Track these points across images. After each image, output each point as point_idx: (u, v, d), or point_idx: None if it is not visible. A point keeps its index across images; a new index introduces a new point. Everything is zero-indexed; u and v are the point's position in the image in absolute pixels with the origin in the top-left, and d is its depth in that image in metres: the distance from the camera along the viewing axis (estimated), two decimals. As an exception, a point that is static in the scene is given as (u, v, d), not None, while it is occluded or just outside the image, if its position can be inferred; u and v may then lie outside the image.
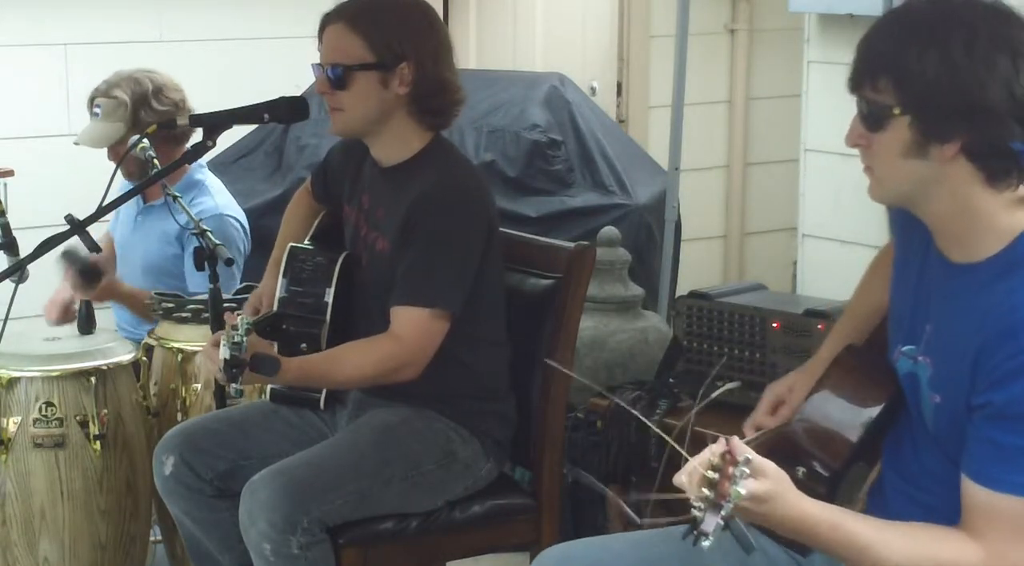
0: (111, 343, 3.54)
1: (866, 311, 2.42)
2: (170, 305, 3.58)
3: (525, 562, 3.13)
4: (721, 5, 6.08)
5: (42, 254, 2.79)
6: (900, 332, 2.19)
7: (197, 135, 3.04)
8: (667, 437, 1.95)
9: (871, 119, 2.01)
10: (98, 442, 3.37)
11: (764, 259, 6.24)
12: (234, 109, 2.99)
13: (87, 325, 3.60)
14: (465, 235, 2.93)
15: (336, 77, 2.94)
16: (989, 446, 1.97)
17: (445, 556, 3.17)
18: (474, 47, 5.95)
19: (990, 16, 1.97)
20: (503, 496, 3.07)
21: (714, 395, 2.07)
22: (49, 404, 3.36)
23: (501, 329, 3.07)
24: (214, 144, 2.99)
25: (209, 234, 3.27)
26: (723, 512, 1.82)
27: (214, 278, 3.24)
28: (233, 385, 2.66)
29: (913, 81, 1.96)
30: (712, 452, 1.86)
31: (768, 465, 1.92)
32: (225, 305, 3.29)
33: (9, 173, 4.36)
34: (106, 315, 4.07)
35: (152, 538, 3.65)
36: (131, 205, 3.95)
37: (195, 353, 3.51)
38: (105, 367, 3.43)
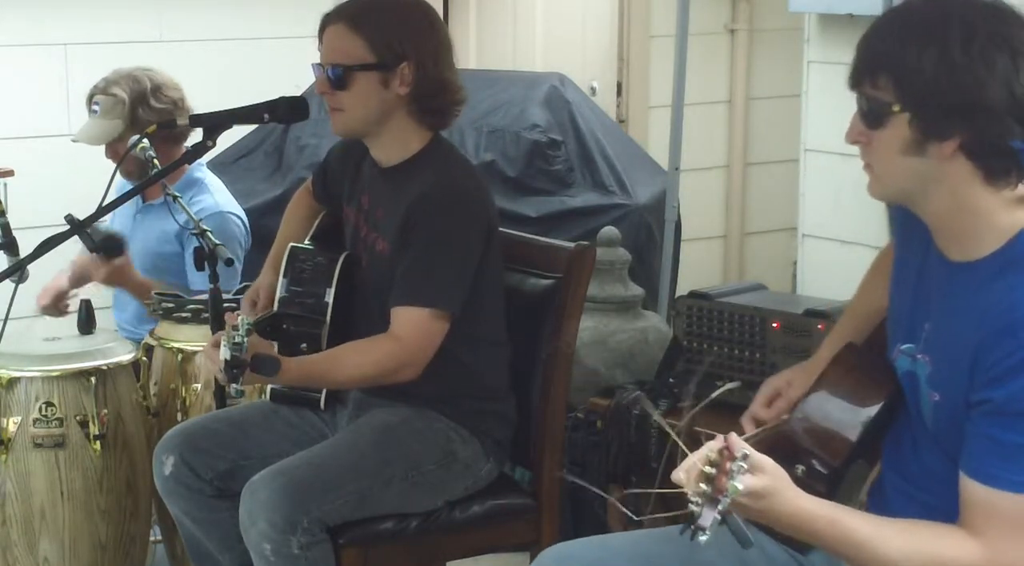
0: (111, 343, 3.54)
1: (866, 311, 2.42)
2: (170, 305, 3.58)
3: (525, 562, 3.13)
4: (721, 5, 6.08)
5: (42, 254, 2.79)
6: (899, 331, 2.19)
7: (196, 134, 3.03)
8: (671, 432, 1.96)
9: (871, 116, 2.02)
10: (98, 442, 3.37)
11: (764, 259, 6.24)
12: (234, 109, 2.99)
13: (87, 325, 3.60)
14: (464, 235, 2.93)
15: (336, 77, 2.94)
16: (988, 443, 1.98)
17: (445, 556, 3.18)
18: (474, 47, 5.95)
19: (990, 15, 1.98)
20: (503, 496, 3.07)
21: (714, 395, 2.08)
22: (49, 404, 3.36)
23: (501, 329, 3.07)
24: (214, 144, 2.99)
25: (209, 234, 3.27)
26: (720, 507, 1.82)
27: (214, 278, 3.25)
28: (234, 386, 2.66)
29: (912, 79, 1.96)
30: (710, 448, 1.87)
31: (766, 461, 1.92)
32: (225, 305, 3.29)
33: (9, 173, 4.36)
34: (106, 315, 4.07)
35: (152, 538, 3.65)
36: (129, 204, 3.94)
37: (195, 353, 3.51)
38: (105, 367, 3.43)
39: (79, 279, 3.98)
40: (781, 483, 1.94)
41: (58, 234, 2.82)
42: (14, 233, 3.51)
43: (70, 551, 3.38)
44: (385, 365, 2.88)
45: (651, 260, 4.56)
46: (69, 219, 2.91)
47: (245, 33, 5.07)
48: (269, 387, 3.12)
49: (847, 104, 2.08)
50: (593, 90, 5.81)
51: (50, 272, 3.78)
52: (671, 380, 3.70)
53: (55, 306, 3.94)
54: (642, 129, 5.93)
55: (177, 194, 3.54)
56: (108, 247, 3.25)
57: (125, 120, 3.91)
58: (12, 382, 3.37)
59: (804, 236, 4.55)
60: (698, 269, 5.77)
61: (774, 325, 3.58)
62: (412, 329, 2.88)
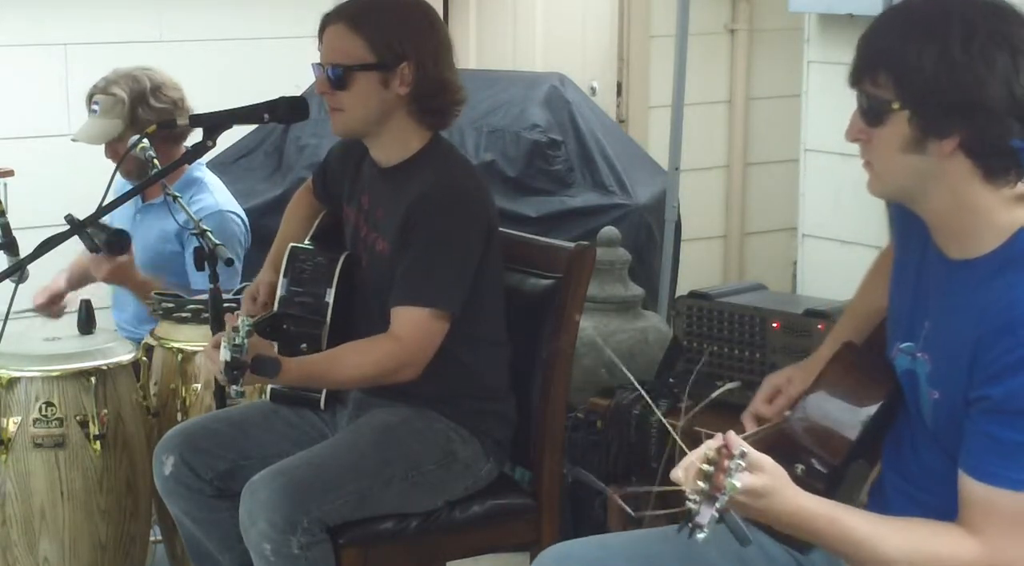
0: (111, 343, 3.54)
1: (866, 311, 2.42)
2: (170, 305, 3.57)
3: (525, 562, 3.13)
4: (721, 5, 6.08)
5: (42, 254, 2.79)
6: (899, 329, 2.20)
7: (197, 134, 3.03)
8: (673, 431, 1.96)
9: (871, 114, 2.03)
10: (98, 442, 3.37)
11: (764, 259, 6.24)
12: (234, 109, 2.99)
13: (87, 325, 3.60)
14: (464, 235, 2.93)
15: (336, 77, 2.93)
16: (987, 441, 1.98)
17: (445, 556, 3.17)
18: (474, 47, 5.95)
19: (990, 13, 1.98)
20: (503, 496, 3.07)
21: (714, 395, 2.08)
22: (49, 404, 3.36)
23: (501, 329, 3.07)
24: (214, 144, 2.99)
25: (209, 234, 3.27)
26: (718, 505, 1.83)
27: (214, 278, 3.25)
28: (234, 387, 2.66)
29: (912, 76, 1.97)
30: (708, 447, 1.88)
31: (765, 460, 1.92)
32: (225, 305, 3.29)
33: (9, 173, 4.36)
34: (106, 315, 4.07)
35: (152, 538, 3.65)
36: (129, 204, 3.94)
37: (195, 353, 3.51)
38: (105, 367, 3.43)
39: (78, 281, 3.99)
40: (780, 482, 1.94)
41: (58, 234, 2.82)
42: (14, 233, 3.51)
43: (70, 551, 3.38)
44: (385, 365, 2.88)
45: (651, 260, 4.57)
46: (69, 219, 2.91)
47: (245, 33, 5.08)
48: (269, 387, 3.12)
49: (847, 104, 2.08)
50: (593, 90, 5.82)
51: (50, 272, 3.78)
52: (671, 380, 3.70)
53: (50, 307, 3.94)
54: (642, 129, 5.93)
55: (177, 194, 3.54)
56: (113, 244, 3.25)
57: (125, 120, 3.91)
58: (12, 382, 3.37)
59: (804, 236, 4.55)
60: (698, 269, 5.77)
61: (774, 325, 3.58)
62: (412, 329, 2.88)
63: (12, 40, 4.73)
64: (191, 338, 3.54)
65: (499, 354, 3.07)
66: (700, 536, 1.81)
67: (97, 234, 3.29)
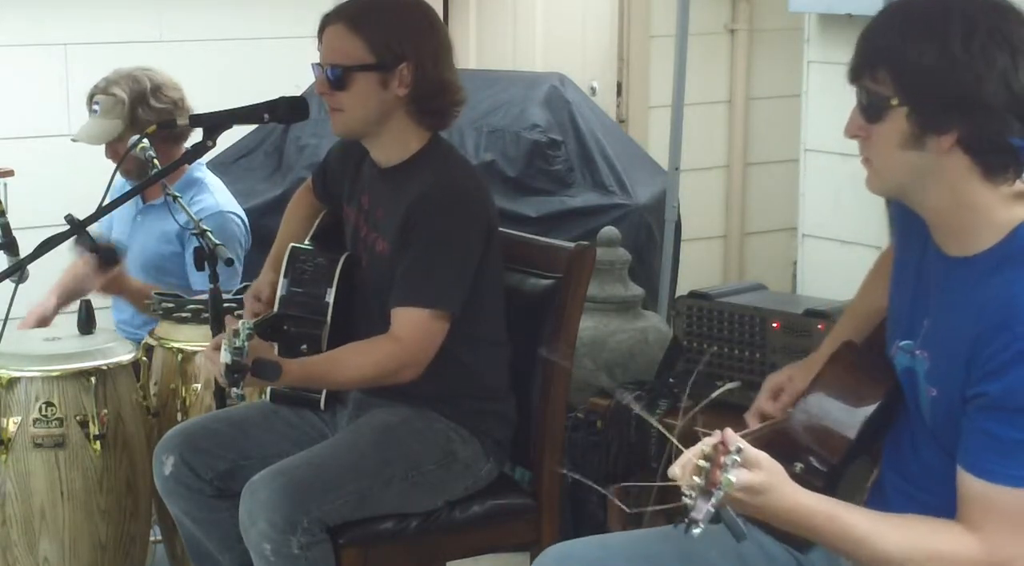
0: (111, 343, 3.54)
1: (866, 311, 2.42)
2: (170, 305, 3.58)
3: (525, 562, 3.13)
4: (721, 5, 6.08)
5: (42, 254, 2.79)
6: (899, 328, 2.20)
7: (197, 134, 3.04)
8: (668, 433, 1.96)
9: (870, 110, 2.03)
10: (98, 442, 3.37)
11: (764, 259, 6.24)
12: (234, 109, 2.99)
13: (87, 325, 3.60)
14: (464, 235, 2.93)
15: (335, 78, 2.93)
16: (985, 438, 1.98)
17: (445, 556, 3.18)
18: (474, 47, 5.95)
19: (990, 11, 1.99)
20: (503, 496, 3.07)
21: (714, 395, 2.08)
22: (49, 404, 3.36)
23: (501, 329, 3.07)
24: (214, 144, 2.99)
25: (209, 234, 3.27)
26: (714, 500, 1.83)
27: (214, 278, 3.25)
28: (234, 389, 2.66)
29: (911, 73, 1.97)
30: (705, 443, 1.88)
31: (762, 457, 1.93)
32: (225, 305, 3.29)
33: (9, 173, 4.36)
34: (105, 315, 4.07)
35: (152, 538, 3.65)
36: (130, 204, 3.95)
37: (195, 353, 3.51)
38: (105, 367, 3.42)
39: (67, 298, 4.00)
40: (777, 478, 1.94)
41: (58, 234, 2.82)
42: (14, 233, 3.51)
43: (70, 551, 3.38)
44: (385, 366, 2.88)
45: (651, 260, 4.57)
46: (69, 219, 2.91)
47: (245, 33, 5.08)
48: (269, 387, 3.12)
49: (847, 104, 2.09)
50: (593, 90, 5.82)
51: (50, 272, 3.77)
52: (671, 380, 3.70)
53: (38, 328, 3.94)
54: (642, 129, 5.93)
55: (177, 194, 3.54)
56: (106, 257, 3.27)
57: (125, 120, 3.92)
58: (12, 382, 3.37)
59: (804, 236, 4.55)
60: (698, 269, 5.77)
61: (774, 325, 3.58)
62: (412, 330, 2.88)
63: (12, 40, 4.73)
64: (191, 338, 3.54)
65: (499, 354, 3.07)
66: (696, 531, 1.82)
67: (91, 240, 3.31)
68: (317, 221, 3.26)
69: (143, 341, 3.67)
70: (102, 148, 3.99)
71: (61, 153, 4.48)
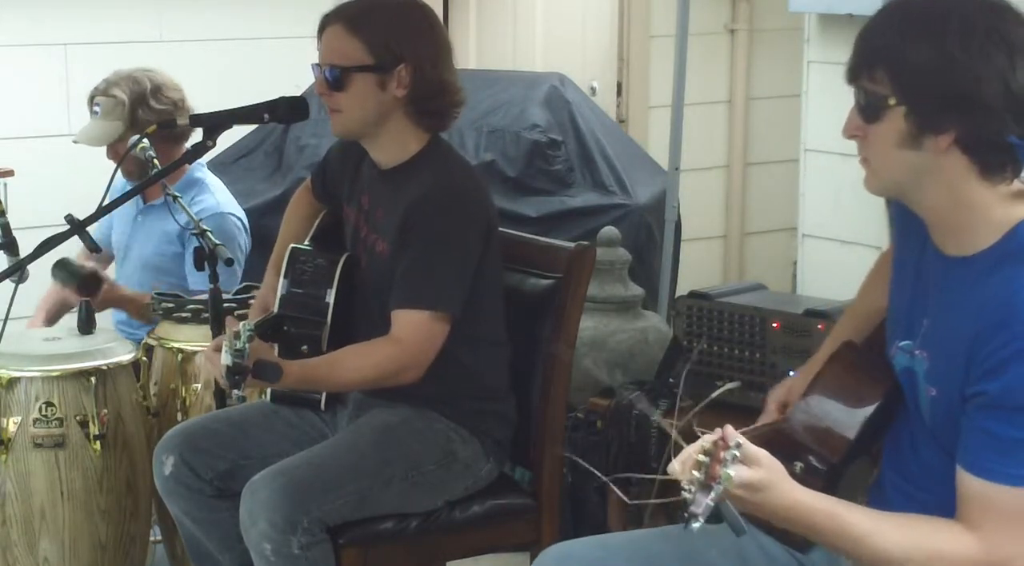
0: (111, 343, 3.54)
1: (866, 312, 2.42)
2: (170, 305, 3.58)
3: (525, 562, 3.13)
4: (721, 5, 6.08)
5: (42, 254, 2.79)
6: (898, 328, 2.20)
7: (197, 135, 3.04)
8: (670, 430, 1.97)
9: (868, 110, 2.03)
10: (98, 442, 3.37)
11: (764, 259, 6.24)
12: (234, 109, 2.99)
13: (87, 325, 3.60)
14: (463, 236, 2.93)
15: (334, 78, 2.93)
16: (984, 437, 1.98)
17: (445, 556, 3.18)
18: (474, 47, 5.95)
19: (987, 11, 1.99)
20: (503, 496, 3.07)
21: (714, 395, 2.08)
22: (49, 404, 3.36)
23: (501, 329, 3.07)
24: (214, 144, 2.99)
25: (209, 234, 3.27)
26: (713, 494, 1.83)
27: (214, 278, 3.25)
28: (235, 391, 2.66)
29: (909, 72, 1.98)
30: (705, 440, 1.89)
31: (762, 454, 1.93)
32: (225, 305, 3.29)
33: (9, 173, 4.36)
34: (105, 315, 4.07)
35: (152, 538, 3.65)
36: (130, 205, 3.95)
37: (195, 353, 3.51)
38: (105, 367, 3.43)
39: (55, 315, 4.02)
40: (777, 476, 1.94)
41: (58, 234, 2.82)
42: (14, 233, 3.51)
43: (70, 551, 3.38)
44: (386, 368, 2.88)
45: (651, 260, 4.57)
46: (69, 219, 2.91)
47: (245, 33, 5.08)
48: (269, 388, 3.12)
49: (847, 104, 2.09)
50: (593, 90, 5.82)
51: (50, 272, 3.77)
52: (671, 380, 3.70)
53: None
54: (642, 129, 5.93)
55: (177, 194, 3.54)
56: (86, 286, 3.30)
57: (125, 121, 3.92)
58: (12, 382, 3.37)
59: (804, 236, 4.55)
60: (698, 269, 5.77)
61: (774, 325, 3.58)
62: (412, 332, 2.88)
63: (12, 40, 4.73)
64: (191, 338, 3.54)
65: (499, 354, 3.07)
66: (695, 525, 1.82)
67: (70, 276, 3.35)
68: (317, 221, 3.25)
69: (143, 341, 3.67)
70: (103, 149, 3.99)
71: (61, 153, 4.48)
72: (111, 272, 4.06)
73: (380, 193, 3.03)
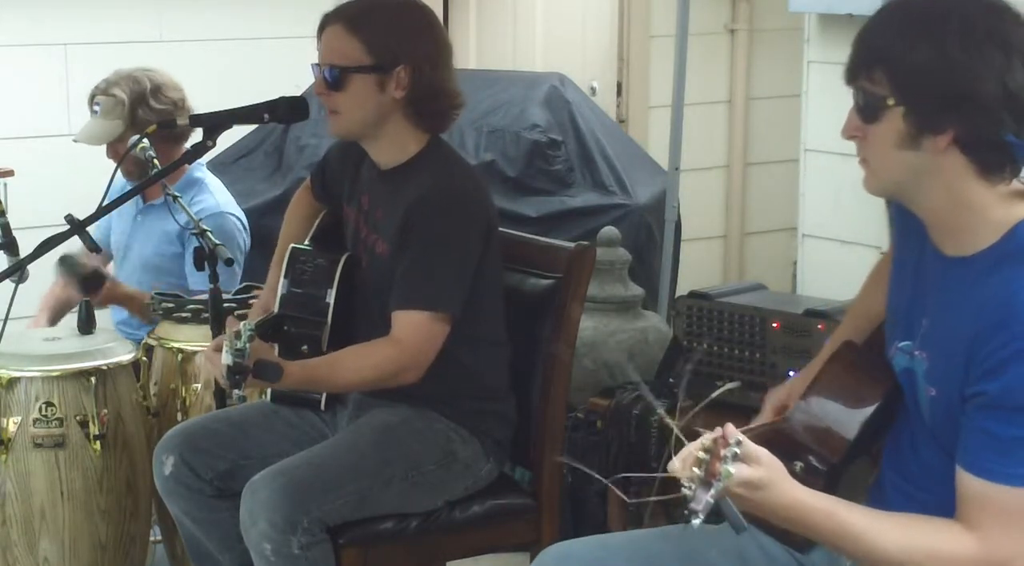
0: (111, 343, 3.54)
1: (867, 313, 2.42)
2: (170, 305, 3.58)
3: (525, 562, 3.13)
4: (721, 5, 6.08)
5: (42, 254, 2.79)
6: (897, 329, 2.20)
7: (197, 134, 3.04)
8: (671, 422, 1.97)
9: (866, 111, 2.04)
10: (98, 442, 3.37)
11: (764, 259, 6.24)
12: (234, 109, 2.99)
13: (87, 325, 3.60)
14: (463, 236, 2.93)
15: (333, 78, 2.93)
16: (983, 436, 1.98)
17: (445, 556, 3.18)
18: (474, 47, 5.95)
19: (985, 11, 1.99)
20: (503, 496, 3.07)
21: (714, 395, 2.08)
22: (49, 404, 3.36)
23: (501, 329, 3.07)
24: (214, 144, 2.99)
25: (209, 234, 3.27)
26: (713, 491, 1.83)
27: (214, 278, 3.25)
28: (236, 391, 2.66)
29: (907, 72, 1.98)
30: (705, 437, 1.89)
31: (762, 452, 1.93)
32: (225, 305, 3.29)
33: (9, 173, 4.36)
34: (105, 315, 4.07)
35: (152, 538, 3.65)
36: (129, 204, 3.95)
37: (195, 353, 3.51)
38: (105, 367, 3.43)
39: (57, 315, 4.03)
40: (777, 474, 1.95)
41: (58, 234, 2.83)
42: (14, 233, 3.51)
43: (70, 551, 3.38)
44: (386, 369, 2.88)
45: (651, 260, 4.56)
46: (69, 219, 2.91)
47: (245, 33, 5.08)
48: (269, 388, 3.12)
49: (847, 104, 2.09)
50: (593, 90, 5.81)
51: (50, 272, 3.77)
52: (671, 380, 3.70)
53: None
54: (642, 129, 5.93)
55: (177, 194, 3.54)
56: (88, 284, 3.29)
57: (125, 121, 3.92)
58: (12, 382, 3.37)
59: (804, 236, 4.54)
60: (698, 269, 5.77)
61: (774, 325, 3.58)
62: (412, 332, 2.88)
63: (12, 40, 4.73)
64: (191, 338, 3.54)
65: (499, 354, 3.07)
66: (695, 522, 1.82)
67: (72, 274, 3.35)
68: (317, 221, 3.25)
69: (143, 341, 3.67)
70: (102, 148, 3.99)
71: (61, 153, 4.48)
72: (111, 272, 4.06)
73: (380, 194, 3.03)
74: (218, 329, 3.21)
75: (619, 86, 6.00)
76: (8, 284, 2.93)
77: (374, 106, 2.94)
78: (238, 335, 2.61)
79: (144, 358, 3.60)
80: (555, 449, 3.08)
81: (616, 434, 3.65)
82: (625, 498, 2.04)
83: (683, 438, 1.93)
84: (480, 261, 2.95)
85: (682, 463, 1.88)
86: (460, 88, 3.03)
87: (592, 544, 2.36)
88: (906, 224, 2.19)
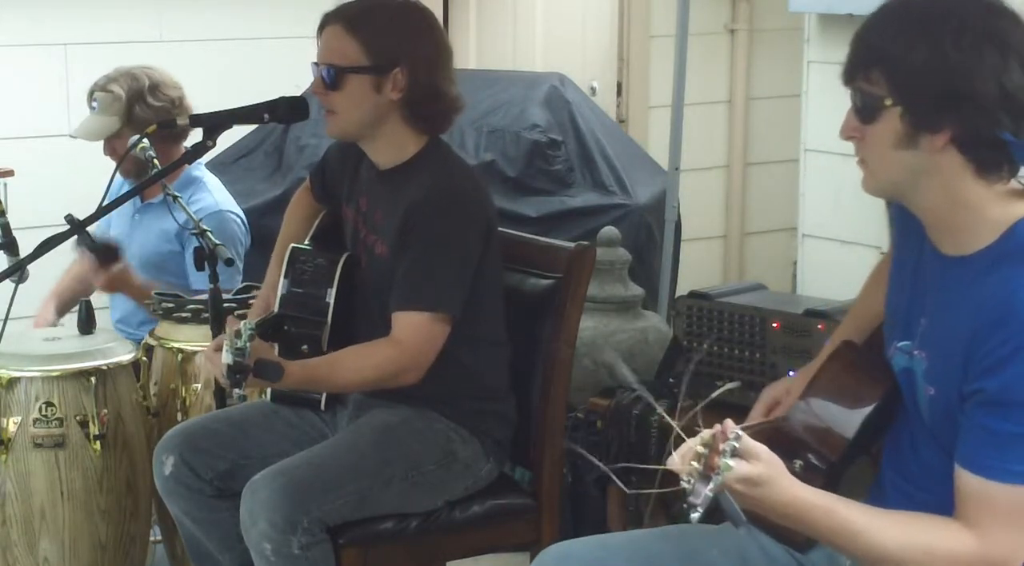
0: (111, 343, 3.54)
1: (867, 314, 2.43)
2: (170, 305, 3.58)
3: (525, 562, 3.13)
4: (721, 5, 6.08)
5: (42, 254, 2.79)
6: (896, 328, 2.20)
7: (196, 134, 3.04)
8: (670, 419, 1.97)
9: (864, 111, 2.04)
10: (98, 442, 3.37)
11: (764, 259, 6.24)
12: (234, 109, 2.99)
13: (87, 325, 3.60)
14: (463, 237, 2.93)
15: (330, 78, 2.93)
16: (982, 433, 1.98)
17: (445, 556, 3.18)
18: (474, 47, 5.95)
19: (982, 10, 2.00)
20: (503, 496, 3.07)
21: (714, 395, 2.08)
22: (49, 404, 3.36)
23: (501, 329, 3.07)
24: (214, 144, 2.99)
25: (209, 234, 3.27)
26: (712, 484, 1.83)
27: (214, 278, 3.25)
28: (236, 390, 2.66)
29: (904, 72, 1.99)
30: (705, 433, 1.90)
31: (761, 449, 1.93)
32: (225, 305, 3.29)
33: (9, 173, 4.36)
34: (106, 315, 4.08)
35: (152, 538, 3.65)
36: (128, 203, 3.94)
37: (195, 353, 3.51)
38: (105, 367, 3.43)
39: (67, 305, 4.02)
40: (776, 471, 1.95)
41: (58, 234, 2.83)
42: (14, 233, 3.51)
43: (70, 551, 3.38)
44: (386, 369, 2.88)
45: (651, 260, 4.56)
46: (69, 219, 2.91)
47: (245, 33, 5.07)
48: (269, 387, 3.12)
49: (847, 104, 2.09)
50: (593, 90, 5.81)
51: (50, 272, 3.78)
52: (671, 380, 3.70)
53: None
54: (642, 129, 5.93)
55: (177, 194, 3.54)
56: (104, 256, 3.27)
57: (122, 117, 3.92)
58: (12, 382, 3.37)
59: (804, 236, 4.54)
60: (698, 269, 5.77)
61: (774, 325, 3.58)
62: (413, 333, 2.88)
63: (12, 40, 4.73)
64: (191, 338, 3.54)
65: (499, 354, 3.07)
66: (694, 516, 1.83)
67: (92, 242, 3.32)
68: (317, 221, 3.25)
69: (143, 341, 3.67)
70: (102, 148, 3.99)
71: (61, 153, 4.48)
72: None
73: (378, 195, 3.03)
74: (218, 329, 3.21)
75: (619, 86, 6.00)
76: (8, 284, 2.93)
77: (370, 107, 2.93)
78: (238, 334, 2.61)
79: (144, 358, 3.59)
80: (555, 449, 3.08)
81: (616, 434, 3.65)
82: (624, 488, 2.04)
83: (684, 436, 1.93)
84: (480, 261, 2.95)
85: (681, 458, 1.89)
86: (460, 90, 3.02)
87: (592, 544, 2.36)
88: (906, 224, 2.19)
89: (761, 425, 2.33)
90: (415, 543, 2.97)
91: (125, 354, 3.51)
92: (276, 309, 3.08)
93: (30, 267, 2.95)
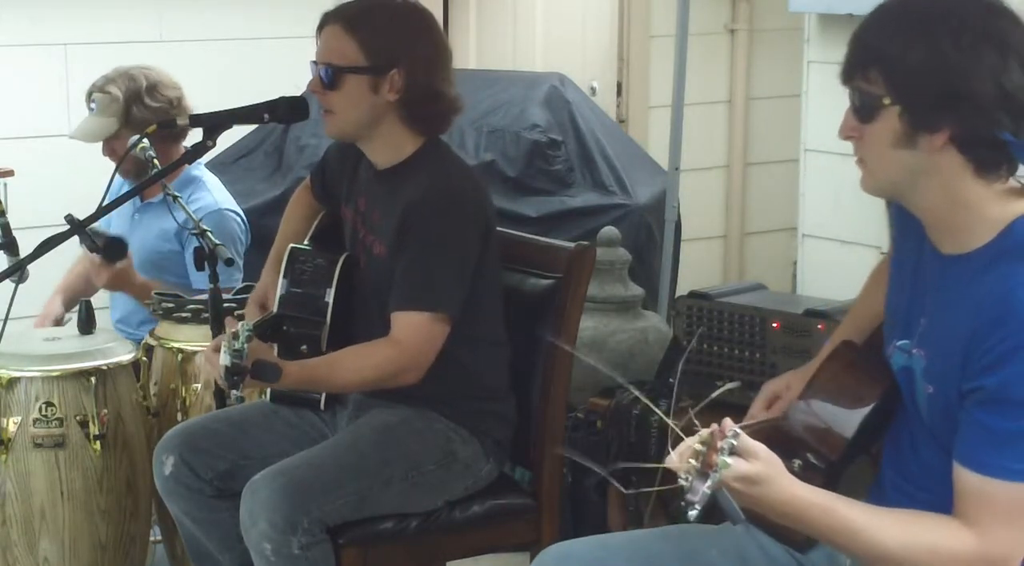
0: (111, 343, 3.54)
1: (867, 314, 2.43)
2: (170, 305, 3.58)
3: (525, 562, 3.13)
4: (721, 5, 6.08)
5: (42, 254, 2.79)
6: (896, 328, 2.20)
7: (196, 134, 3.04)
8: (671, 422, 1.97)
9: (863, 110, 2.04)
10: (98, 442, 3.37)
11: (764, 259, 6.24)
12: (234, 109, 2.99)
13: (87, 325, 3.60)
14: (461, 237, 2.93)
15: (327, 77, 2.94)
16: (981, 431, 1.98)
17: (445, 556, 3.18)
18: (474, 47, 5.95)
19: (981, 10, 2.00)
20: (503, 496, 3.07)
21: (714, 395, 2.08)
22: (49, 404, 3.36)
23: (500, 329, 3.07)
24: (214, 144, 2.99)
25: (209, 234, 3.27)
26: (710, 482, 1.83)
27: (214, 278, 3.24)
28: (234, 392, 2.66)
29: (902, 71, 1.99)
30: (702, 432, 1.90)
31: (759, 448, 1.93)
32: (226, 305, 3.29)
33: (9, 173, 4.36)
34: (106, 315, 4.07)
35: (152, 538, 3.65)
36: (127, 203, 3.94)
37: (195, 353, 3.51)
38: (105, 367, 3.43)
39: (72, 299, 4.01)
40: (775, 469, 1.95)
41: (58, 234, 2.83)
42: (14, 233, 3.51)
43: (70, 551, 3.38)
44: (385, 369, 2.88)
45: (651, 260, 4.56)
46: (69, 219, 2.91)
47: (245, 33, 5.07)
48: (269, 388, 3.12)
49: (847, 104, 2.09)
50: (593, 90, 5.81)
51: (50, 272, 3.78)
52: (671, 380, 3.70)
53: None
54: (642, 129, 5.93)
55: (177, 194, 3.54)
56: (111, 251, 3.26)
57: (120, 118, 3.92)
58: (12, 382, 3.37)
59: (804, 236, 4.55)
60: (698, 269, 5.77)
61: (774, 325, 3.58)
62: (412, 333, 2.88)
63: (12, 40, 4.73)
64: (191, 338, 3.54)
65: (499, 354, 3.07)
66: (692, 513, 1.83)
67: (93, 239, 3.31)
68: (316, 221, 3.25)
69: (143, 341, 3.67)
70: (101, 147, 3.99)
71: (61, 153, 4.48)
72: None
73: (377, 195, 3.03)
74: (218, 329, 3.21)
75: (619, 86, 6.00)
76: (8, 284, 2.93)
77: (367, 107, 2.93)
78: (236, 336, 2.61)
79: (144, 358, 3.59)
80: (555, 449, 3.08)
81: (616, 434, 3.65)
82: (623, 489, 2.05)
83: (682, 435, 1.93)
84: (479, 261, 2.95)
85: (679, 456, 1.89)
86: (459, 91, 3.02)
87: (592, 544, 2.36)
88: (905, 224, 2.19)
89: (760, 424, 2.33)
90: (415, 543, 2.97)
91: (125, 354, 3.51)
92: (275, 309, 3.08)
93: (30, 267, 2.95)
